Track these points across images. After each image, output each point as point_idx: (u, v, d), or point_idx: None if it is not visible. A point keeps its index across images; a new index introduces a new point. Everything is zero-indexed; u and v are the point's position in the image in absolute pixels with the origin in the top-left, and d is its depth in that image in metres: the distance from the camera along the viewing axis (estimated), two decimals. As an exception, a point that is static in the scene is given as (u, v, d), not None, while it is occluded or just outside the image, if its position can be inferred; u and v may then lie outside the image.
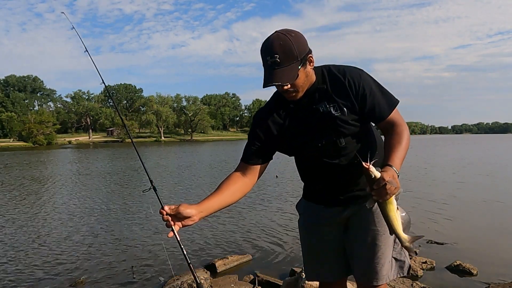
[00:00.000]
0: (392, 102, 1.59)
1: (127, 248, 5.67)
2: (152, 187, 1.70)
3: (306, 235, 1.85)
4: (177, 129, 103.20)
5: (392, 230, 1.44)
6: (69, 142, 78.23)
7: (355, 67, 1.61)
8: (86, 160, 26.96)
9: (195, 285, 4.09)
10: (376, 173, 1.36)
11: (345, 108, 1.55)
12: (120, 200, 10.06)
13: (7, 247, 5.82)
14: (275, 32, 1.47)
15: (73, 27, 2.16)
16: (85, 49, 2.11)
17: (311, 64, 1.52)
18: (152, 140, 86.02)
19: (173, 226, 1.48)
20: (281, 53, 1.41)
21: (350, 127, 1.57)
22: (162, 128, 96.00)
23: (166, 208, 1.48)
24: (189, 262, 1.59)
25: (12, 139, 73.45)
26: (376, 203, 1.41)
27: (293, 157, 1.80)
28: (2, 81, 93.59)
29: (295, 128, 1.62)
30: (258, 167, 1.68)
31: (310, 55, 1.50)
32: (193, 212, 1.49)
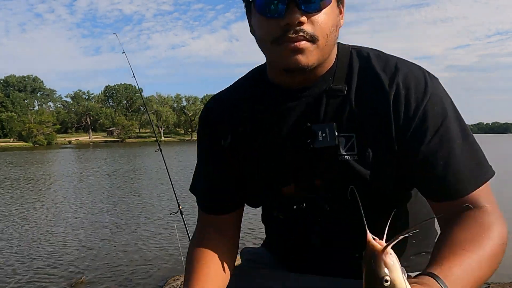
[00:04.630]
0: (483, 169, 0.79)
1: (128, 248, 5.67)
2: (179, 210, 1.74)
3: None
4: (177, 129, 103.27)
5: None
6: (69, 142, 78.29)
7: (419, 66, 0.83)
8: (89, 160, 26.95)
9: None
10: (392, 272, 0.53)
11: (370, 150, 0.80)
12: (121, 201, 10.06)
13: (7, 246, 5.82)
14: None
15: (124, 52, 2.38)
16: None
17: (341, 20, 0.81)
18: (152, 140, 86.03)
19: None
20: None
21: (367, 185, 0.80)
22: (162, 128, 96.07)
23: None
24: None
25: (12, 139, 73.47)
26: None
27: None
28: (2, 81, 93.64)
29: (257, 154, 0.87)
30: (233, 215, 0.99)
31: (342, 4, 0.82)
32: None
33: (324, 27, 0.73)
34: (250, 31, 0.82)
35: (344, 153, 0.79)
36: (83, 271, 4.69)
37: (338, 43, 0.84)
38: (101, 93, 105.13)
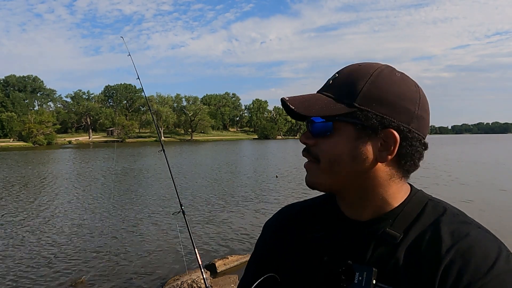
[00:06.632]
0: None
1: (129, 248, 5.68)
2: (181, 210, 1.74)
3: None
4: (177, 129, 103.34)
5: None
6: (69, 142, 78.38)
7: (500, 243, 0.65)
8: (94, 160, 26.96)
9: (195, 285, 4.10)
10: None
11: None
12: (124, 201, 10.07)
13: (9, 246, 5.82)
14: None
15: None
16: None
17: (391, 149, 0.68)
18: (152, 140, 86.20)
19: None
20: (343, 78, 0.71)
21: None
22: (162, 128, 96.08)
23: None
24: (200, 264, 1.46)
25: (12, 139, 73.47)
26: None
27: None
28: (2, 81, 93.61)
29: (291, 272, 0.81)
30: None
31: (392, 130, 0.67)
32: None
33: (328, 151, 0.70)
34: None
35: None
36: (83, 271, 4.70)
37: (419, 190, 0.76)
38: (101, 93, 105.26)
